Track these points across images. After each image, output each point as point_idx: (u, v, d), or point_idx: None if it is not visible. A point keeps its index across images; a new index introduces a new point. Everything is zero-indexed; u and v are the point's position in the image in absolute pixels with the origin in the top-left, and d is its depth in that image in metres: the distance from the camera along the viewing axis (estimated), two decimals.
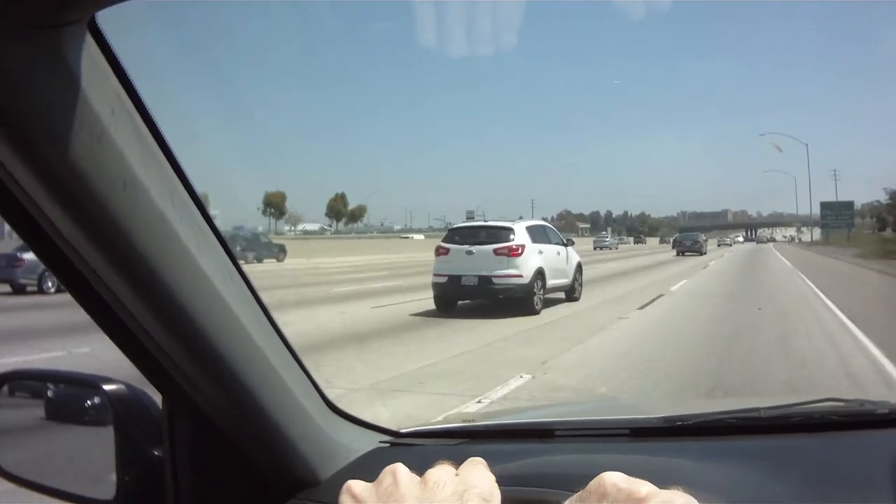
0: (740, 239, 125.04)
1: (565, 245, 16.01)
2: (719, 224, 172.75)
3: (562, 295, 15.70)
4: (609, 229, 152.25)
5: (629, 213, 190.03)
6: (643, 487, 0.62)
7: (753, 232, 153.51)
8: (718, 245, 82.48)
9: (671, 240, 63.26)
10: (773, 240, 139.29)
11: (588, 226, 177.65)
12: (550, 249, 15.07)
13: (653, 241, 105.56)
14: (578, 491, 0.68)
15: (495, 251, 13.95)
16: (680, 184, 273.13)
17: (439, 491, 0.66)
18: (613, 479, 0.64)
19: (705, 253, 47.17)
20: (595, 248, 65.52)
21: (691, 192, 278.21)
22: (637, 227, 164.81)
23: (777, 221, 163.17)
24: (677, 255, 45.50)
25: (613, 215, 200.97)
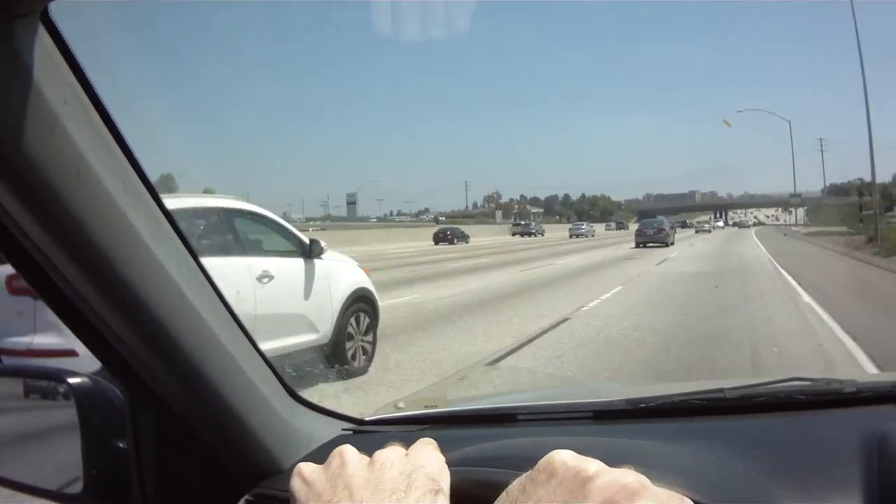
0: (720, 224, 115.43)
1: (305, 254, 7.14)
2: (686, 206, 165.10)
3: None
4: (531, 216, 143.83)
5: (587, 196, 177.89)
6: (592, 465, 0.63)
7: (723, 214, 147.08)
8: (696, 232, 73.27)
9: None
10: (760, 223, 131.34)
11: (542, 210, 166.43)
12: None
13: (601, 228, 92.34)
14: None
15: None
16: (645, 166, 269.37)
17: (387, 471, 0.67)
18: (563, 457, 0.64)
19: (672, 243, 37.62)
20: (571, 237, 62.18)
21: (657, 174, 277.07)
22: (587, 212, 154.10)
23: (749, 202, 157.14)
24: (637, 246, 36.17)
25: (572, 199, 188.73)
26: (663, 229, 38.28)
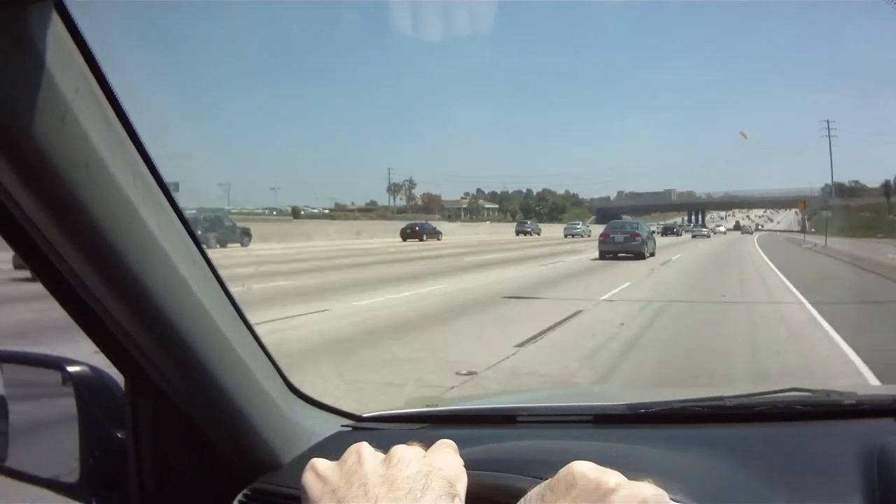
0: (722, 229, 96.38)
1: None
2: (661, 205, 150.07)
3: None
4: (485, 211, 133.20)
5: (546, 193, 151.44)
6: (612, 477, 0.62)
7: (700, 216, 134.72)
8: (693, 237, 62.09)
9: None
10: (745, 228, 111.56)
11: (496, 206, 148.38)
12: None
13: (554, 230, 72.37)
14: (542, 476, 0.68)
15: None
16: (618, 163, 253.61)
17: (404, 468, 0.66)
18: (583, 469, 0.64)
19: (651, 254, 27.82)
20: (566, 236, 57.04)
21: (630, 172, 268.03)
22: (533, 208, 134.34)
23: (731, 203, 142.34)
24: (602, 257, 26.36)
25: (535, 194, 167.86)
26: (638, 235, 27.33)
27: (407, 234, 48.46)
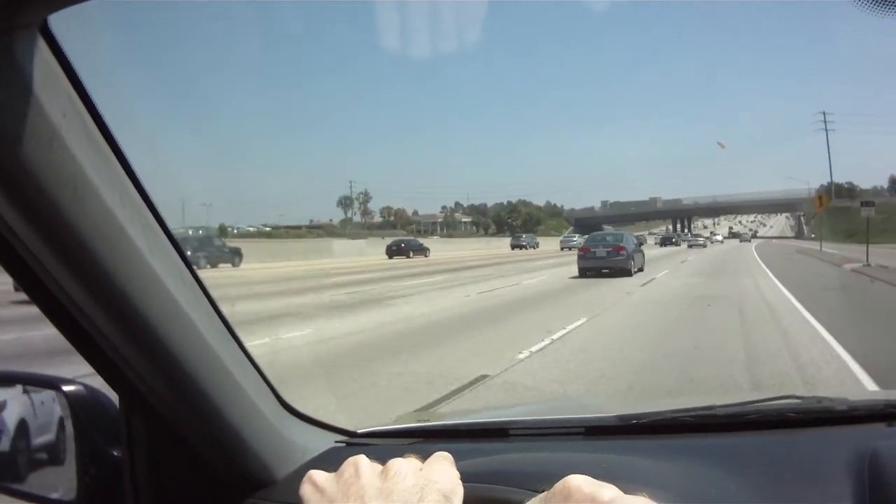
0: (719, 237, 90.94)
1: None
2: (647, 213, 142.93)
3: None
4: (462, 225, 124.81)
5: (520, 204, 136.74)
6: (607, 491, 0.62)
7: (686, 224, 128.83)
8: (689, 247, 58.26)
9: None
10: (737, 235, 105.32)
11: (470, 219, 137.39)
12: None
13: (551, 243, 68.12)
14: (536, 489, 0.68)
15: None
16: (603, 173, 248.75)
17: (400, 482, 0.66)
18: (578, 482, 0.64)
19: (640, 269, 24.62)
20: (562, 249, 54.82)
21: (616, 182, 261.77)
22: (505, 221, 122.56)
23: (718, 208, 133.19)
24: (581, 275, 23.01)
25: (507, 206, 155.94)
26: (622, 248, 23.74)
27: (393, 252, 47.66)
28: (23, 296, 0.97)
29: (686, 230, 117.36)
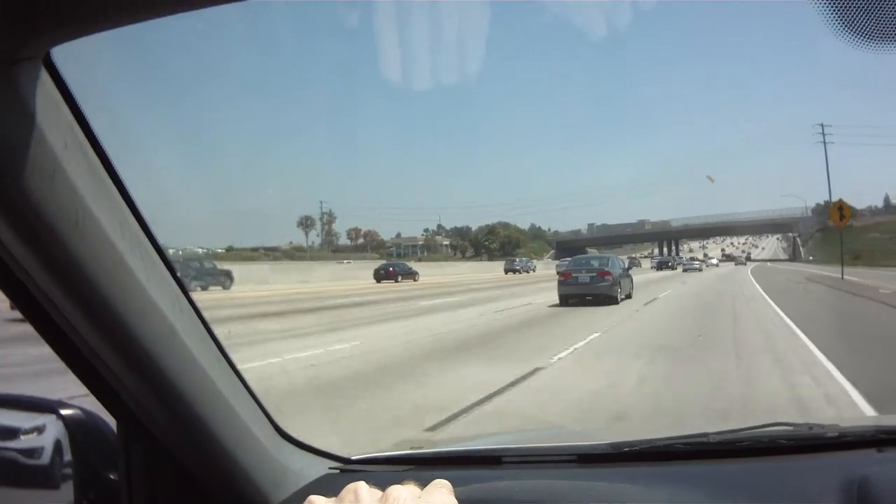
0: (714, 261, 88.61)
1: None
2: (636, 236, 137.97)
3: None
4: (441, 248, 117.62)
5: (498, 226, 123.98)
6: None
7: (675, 246, 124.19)
8: (684, 271, 55.15)
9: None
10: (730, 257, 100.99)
11: (448, 242, 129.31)
12: None
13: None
14: None
15: None
16: (592, 197, 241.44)
17: None
18: None
19: (628, 296, 22.23)
20: (558, 273, 54.69)
21: (604, 205, 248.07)
22: (482, 243, 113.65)
23: (709, 230, 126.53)
24: (561, 304, 20.47)
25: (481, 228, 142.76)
26: (608, 274, 21.24)
27: (381, 276, 46.45)
28: (18, 314, 0.98)
29: (676, 253, 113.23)
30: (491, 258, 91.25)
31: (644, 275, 44.01)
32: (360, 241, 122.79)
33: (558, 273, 22.84)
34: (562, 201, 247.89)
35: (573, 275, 21.51)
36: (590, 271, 21.37)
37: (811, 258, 65.48)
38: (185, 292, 1.01)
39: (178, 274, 1.00)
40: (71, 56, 0.78)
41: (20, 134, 0.72)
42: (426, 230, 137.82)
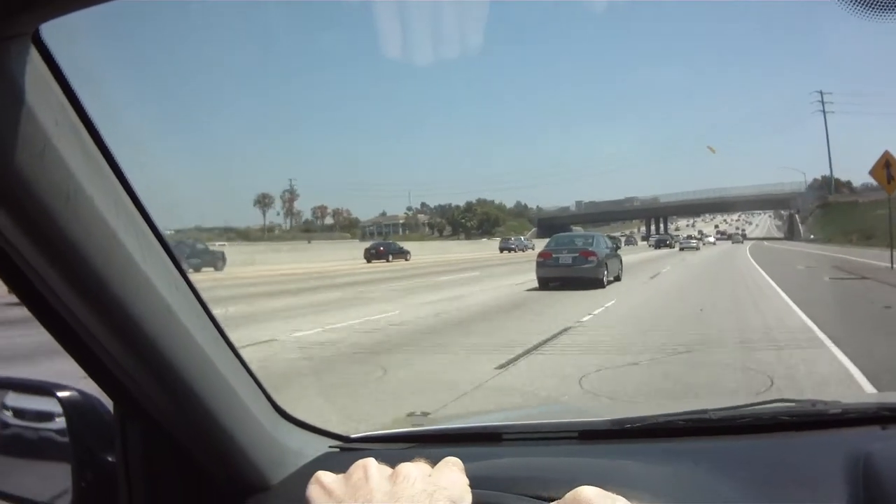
0: (711, 239, 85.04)
1: None
2: (623, 213, 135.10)
3: None
4: (422, 227, 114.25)
5: (477, 204, 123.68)
6: None
7: (664, 223, 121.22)
8: (681, 249, 53.57)
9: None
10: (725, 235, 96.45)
11: (427, 219, 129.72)
12: None
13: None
14: (531, 494, 0.68)
15: None
16: (580, 173, 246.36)
17: (408, 487, 0.66)
18: (588, 495, 0.64)
19: (616, 279, 20.33)
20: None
21: (592, 182, 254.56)
22: (459, 221, 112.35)
23: (701, 206, 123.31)
24: (541, 286, 18.97)
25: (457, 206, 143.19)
26: (592, 254, 19.03)
27: (372, 255, 46.91)
28: (12, 297, 0.97)
29: (664, 230, 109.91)
30: (468, 236, 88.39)
31: (642, 253, 43.74)
32: (326, 219, 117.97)
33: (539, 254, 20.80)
34: (550, 178, 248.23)
35: (553, 255, 19.74)
36: (572, 251, 19.47)
37: (812, 237, 59.12)
38: (182, 271, 1.00)
39: (175, 254, 0.99)
40: (61, 32, 0.76)
41: (9, 112, 0.71)
42: (409, 208, 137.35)
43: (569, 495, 0.65)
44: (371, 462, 0.71)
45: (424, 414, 5.11)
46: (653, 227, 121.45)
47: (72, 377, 1.20)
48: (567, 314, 12.69)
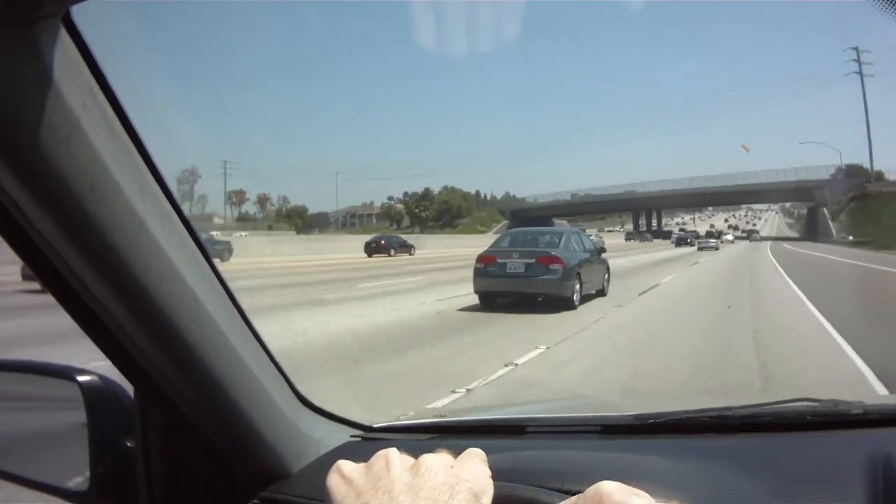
0: (730, 237, 79.62)
1: None
2: (619, 202, 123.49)
3: None
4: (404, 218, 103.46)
5: (442, 193, 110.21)
6: (638, 500, 0.62)
7: (656, 217, 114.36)
8: (699, 249, 48.29)
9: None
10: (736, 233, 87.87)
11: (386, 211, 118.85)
12: None
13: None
14: (553, 487, 0.68)
15: None
16: (580, 163, 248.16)
17: (430, 478, 0.66)
18: (610, 489, 0.64)
19: (600, 292, 14.77)
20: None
21: (592, 173, 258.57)
22: (414, 212, 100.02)
23: (707, 198, 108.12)
24: (482, 304, 13.20)
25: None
26: (556, 260, 12.89)
27: (372, 249, 43.99)
28: (31, 285, 0.97)
29: (658, 226, 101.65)
30: (423, 230, 78.73)
31: (665, 252, 40.53)
32: (276, 207, 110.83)
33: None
34: (543, 168, 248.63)
35: (498, 260, 13.48)
36: (526, 255, 13.31)
37: (850, 237, 43.04)
38: (206, 256, 1.00)
39: (202, 241, 0.99)
40: (92, 15, 0.76)
41: (38, 94, 0.70)
42: (390, 197, 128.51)
43: (590, 489, 0.65)
44: (393, 452, 0.70)
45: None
46: (649, 222, 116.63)
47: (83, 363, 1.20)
48: (463, 365, 7.63)
